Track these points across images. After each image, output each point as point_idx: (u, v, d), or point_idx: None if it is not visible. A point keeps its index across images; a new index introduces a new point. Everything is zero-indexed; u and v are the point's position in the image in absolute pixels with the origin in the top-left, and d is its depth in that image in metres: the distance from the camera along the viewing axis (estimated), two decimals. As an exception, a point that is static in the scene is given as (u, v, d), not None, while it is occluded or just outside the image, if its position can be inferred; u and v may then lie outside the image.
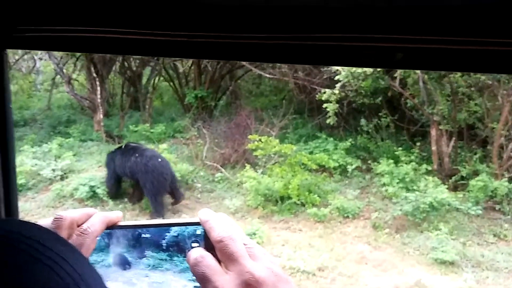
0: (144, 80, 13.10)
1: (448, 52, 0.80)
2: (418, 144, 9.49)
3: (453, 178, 8.51)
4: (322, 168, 9.10)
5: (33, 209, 7.89)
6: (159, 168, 7.91)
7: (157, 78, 12.94)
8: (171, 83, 12.86)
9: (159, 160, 8.08)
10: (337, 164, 9.20)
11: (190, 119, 11.37)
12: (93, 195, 8.12)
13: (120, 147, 8.74)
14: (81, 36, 0.94)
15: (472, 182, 7.99)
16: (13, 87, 13.17)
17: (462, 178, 8.48)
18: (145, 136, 11.01)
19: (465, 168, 8.55)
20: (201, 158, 9.93)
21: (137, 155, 8.05)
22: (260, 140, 8.90)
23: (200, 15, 0.89)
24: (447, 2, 0.76)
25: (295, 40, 0.87)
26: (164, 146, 9.49)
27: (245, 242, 0.68)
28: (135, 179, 8.15)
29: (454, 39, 0.77)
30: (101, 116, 11.06)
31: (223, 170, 9.50)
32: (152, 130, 11.14)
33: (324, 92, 9.28)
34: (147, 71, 13.05)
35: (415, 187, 8.07)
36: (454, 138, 8.91)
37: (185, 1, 0.88)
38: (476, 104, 8.87)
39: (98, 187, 8.16)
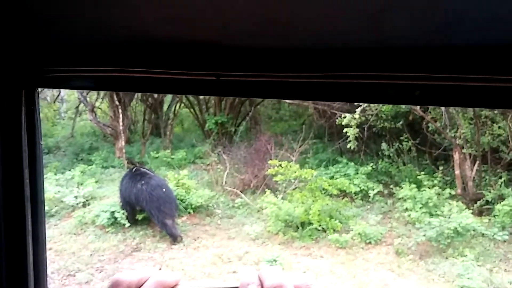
0: (165, 107, 13.31)
1: (461, 89, 0.83)
2: (441, 168, 9.37)
3: (478, 202, 8.35)
4: (343, 193, 9.05)
5: (56, 236, 7.99)
6: (163, 197, 8.05)
7: (178, 105, 13.16)
8: (192, 110, 13.03)
9: (164, 190, 8.18)
10: (358, 189, 9.16)
11: (210, 145, 11.48)
12: (114, 222, 8.20)
13: (131, 169, 8.89)
14: (109, 76, 0.99)
15: (498, 206, 7.84)
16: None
17: (487, 202, 8.32)
18: (166, 162, 11.14)
19: (490, 192, 8.39)
20: (221, 184, 9.97)
21: (143, 182, 8.18)
22: (280, 165, 8.88)
23: (227, 58, 0.96)
24: (461, 43, 0.79)
25: (322, 79, 0.93)
26: (184, 172, 9.55)
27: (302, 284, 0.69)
28: (141, 206, 8.25)
29: (466, 77, 0.80)
30: (123, 143, 11.23)
31: (243, 195, 9.52)
32: (173, 157, 11.27)
33: (345, 117, 9.27)
34: (168, 98, 13.26)
35: (438, 212, 7.95)
36: (478, 162, 8.78)
37: (210, 44, 0.95)
38: (499, 127, 8.75)
39: (119, 212, 8.24)
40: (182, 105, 13.33)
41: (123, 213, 8.24)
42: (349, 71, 0.90)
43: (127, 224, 8.16)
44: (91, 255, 7.46)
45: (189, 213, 8.86)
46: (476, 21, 0.76)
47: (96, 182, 9.91)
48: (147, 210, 8.15)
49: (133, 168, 9.00)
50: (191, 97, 13.02)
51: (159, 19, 0.85)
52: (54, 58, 1.00)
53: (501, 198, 8.14)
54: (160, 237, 8.05)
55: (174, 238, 7.94)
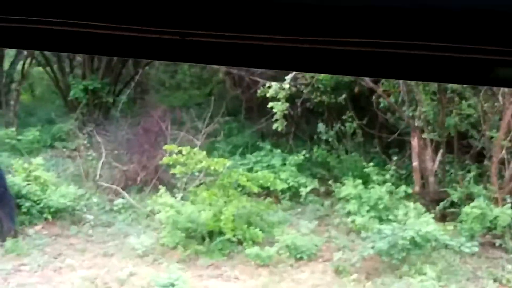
0: (6, 65, 12.73)
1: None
2: (394, 158, 9.86)
3: (441, 204, 8.88)
4: (266, 192, 9.25)
5: None
6: None
7: (27, 62, 12.59)
8: (48, 69, 12.56)
9: None
10: (286, 186, 9.34)
11: (77, 121, 11.18)
12: None
13: None
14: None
15: (466, 209, 8.36)
16: None
17: (452, 204, 8.87)
18: (10, 145, 10.73)
19: (456, 190, 8.94)
20: (94, 178, 9.80)
21: None
22: (179, 152, 8.86)
23: (196, 11, 0.97)
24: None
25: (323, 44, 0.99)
26: (38, 160, 9.25)
27: None
28: None
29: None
30: None
31: (126, 194, 9.42)
32: (19, 137, 10.86)
33: (269, 87, 9.35)
34: (10, 52, 12.64)
35: (391, 217, 8.35)
36: (441, 151, 9.32)
37: None
38: (469, 106, 9.31)
39: None
40: (34, 61, 12.79)
41: None
42: (338, 35, 0.95)
43: None
44: None
45: (45, 219, 8.64)
46: None
47: None
48: None
49: None
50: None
51: None
52: None
53: (470, 198, 8.71)
54: (6, 250, 7.78)
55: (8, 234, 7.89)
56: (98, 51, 1.08)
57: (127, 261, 7.88)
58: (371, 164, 9.58)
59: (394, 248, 7.70)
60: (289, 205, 9.36)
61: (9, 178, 8.74)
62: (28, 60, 12.52)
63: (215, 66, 11.61)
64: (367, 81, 9.51)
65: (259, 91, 9.80)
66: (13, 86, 12.32)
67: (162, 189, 8.79)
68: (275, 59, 1.04)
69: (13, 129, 11.15)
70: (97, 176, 9.79)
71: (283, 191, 9.38)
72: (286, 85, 9.26)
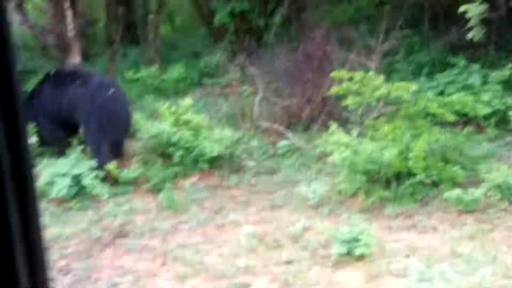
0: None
1: None
2: None
3: None
4: (464, 119, 9.15)
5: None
6: (111, 103, 8.78)
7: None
8: (188, -6, 12.84)
9: (112, 90, 8.83)
10: (490, 110, 9.28)
11: (225, 52, 11.37)
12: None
13: (47, 75, 9.51)
14: None
15: None
16: None
17: None
18: (153, 86, 11.18)
19: None
20: (251, 117, 10.06)
21: (78, 82, 8.82)
22: (350, 78, 8.79)
23: None
24: None
25: None
26: (187, 100, 9.53)
27: None
28: (73, 120, 8.98)
29: None
30: (78, 58, 11.07)
31: (290, 134, 9.62)
32: (164, 77, 11.22)
33: (458, -17, 9.01)
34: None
35: None
36: None
37: None
38: None
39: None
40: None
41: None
42: None
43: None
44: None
45: (201, 169, 9.00)
46: None
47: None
48: (83, 125, 8.85)
49: (49, 72, 9.69)
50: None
51: None
52: None
53: None
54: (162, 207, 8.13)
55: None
56: None
57: (299, 213, 7.96)
58: None
59: None
60: (496, 134, 9.29)
61: (156, 125, 9.07)
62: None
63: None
64: None
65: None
66: (151, 17, 12.67)
67: (334, 125, 8.74)
68: None
69: (156, 66, 11.57)
70: (255, 115, 9.94)
71: (486, 117, 9.30)
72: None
